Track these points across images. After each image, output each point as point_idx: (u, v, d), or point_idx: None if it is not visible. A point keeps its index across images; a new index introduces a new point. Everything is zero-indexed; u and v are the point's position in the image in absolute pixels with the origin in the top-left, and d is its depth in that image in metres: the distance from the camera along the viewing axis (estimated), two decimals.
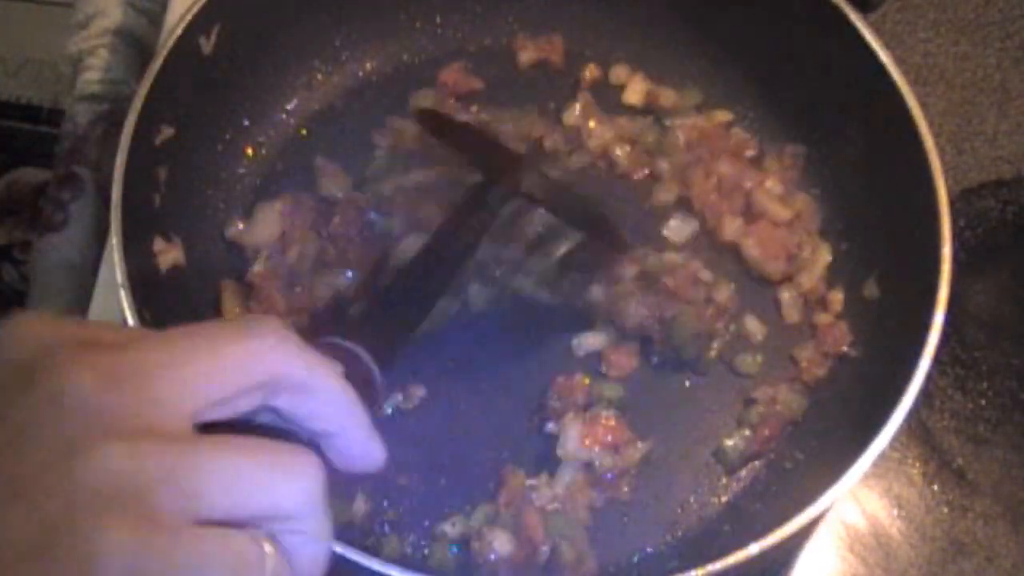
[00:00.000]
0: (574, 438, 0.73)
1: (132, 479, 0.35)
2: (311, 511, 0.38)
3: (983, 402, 0.82)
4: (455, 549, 0.72)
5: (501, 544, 0.71)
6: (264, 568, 0.37)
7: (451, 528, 0.73)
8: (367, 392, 0.48)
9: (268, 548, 0.37)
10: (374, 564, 0.60)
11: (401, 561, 0.71)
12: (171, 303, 0.76)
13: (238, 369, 0.38)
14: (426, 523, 0.73)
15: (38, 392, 0.36)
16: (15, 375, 0.37)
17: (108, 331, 0.40)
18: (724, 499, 0.76)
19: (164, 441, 0.36)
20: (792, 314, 0.81)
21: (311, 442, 0.41)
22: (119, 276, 0.68)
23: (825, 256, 0.82)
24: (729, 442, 0.76)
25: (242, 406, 0.39)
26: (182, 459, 0.36)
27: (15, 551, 0.34)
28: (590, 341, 0.79)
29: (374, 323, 0.61)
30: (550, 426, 0.75)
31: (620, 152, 0.86)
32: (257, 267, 0.79)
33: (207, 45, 0.78)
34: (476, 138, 0.80)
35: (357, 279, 0.79)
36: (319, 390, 0.41)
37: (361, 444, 0.43)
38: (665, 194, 0.84)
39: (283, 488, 0.37)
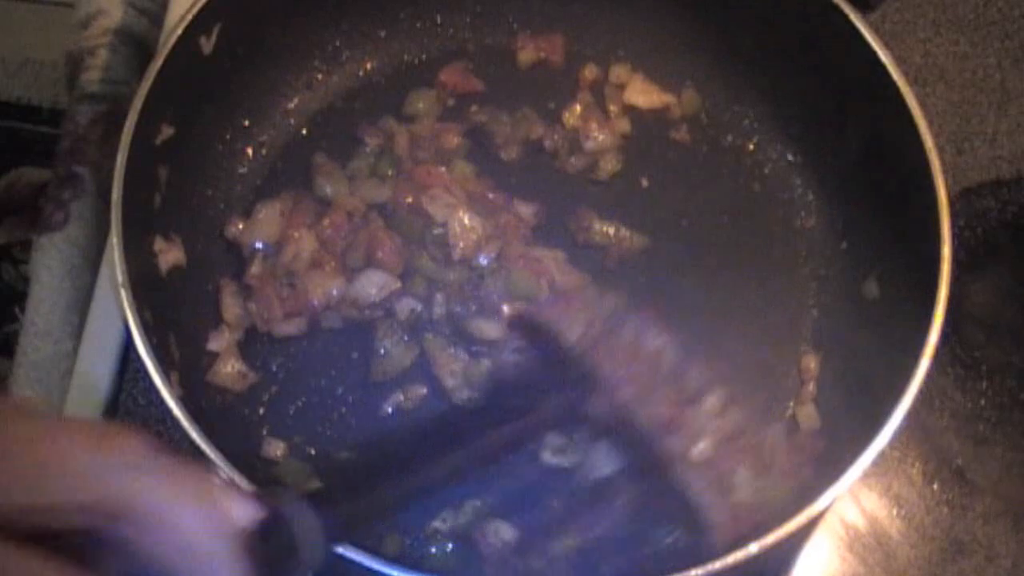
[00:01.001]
0: None
1: None
2: None
3: (983, 402, 0.82)
4: (451, 545, 0.73)
5: (502, 532, 0.72)
6: None
7: (442, 524, 0.73)
8: (282, 559, 0.42)
9: None
10: (374, 564, 0.60)
11: (401, 560, 0.71)
12: (171, 303, 0.76)
13: (61, 480, 0.34)
14: (425, 522, 0.73)
15: None
16: None
17: None
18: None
19: None
20: None
21: None
22: (119, 276, 0.68)
23: None
24: None
25: (64, 521, 0.34)
26: None
27: None
28: None
29: (353, 493, 0.54)
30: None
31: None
32: (255, 269, 0.79)
33: (207, 45, 0.78)
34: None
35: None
36: (170, 532, 0.35)
37: None
38: None
39: None
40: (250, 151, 0.86)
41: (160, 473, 0.36)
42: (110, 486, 0.35)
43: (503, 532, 0.72)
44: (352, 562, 0.60)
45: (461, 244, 0.79)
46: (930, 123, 0.73)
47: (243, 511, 0.39)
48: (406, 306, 0.79)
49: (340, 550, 0.59)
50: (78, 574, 0.34)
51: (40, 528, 0.34)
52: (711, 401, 0.74)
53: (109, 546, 0.36)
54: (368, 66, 0.90)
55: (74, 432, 0.36)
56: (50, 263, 0.84)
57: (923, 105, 0.74)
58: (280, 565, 0.42)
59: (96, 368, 0.80)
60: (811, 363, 0.80)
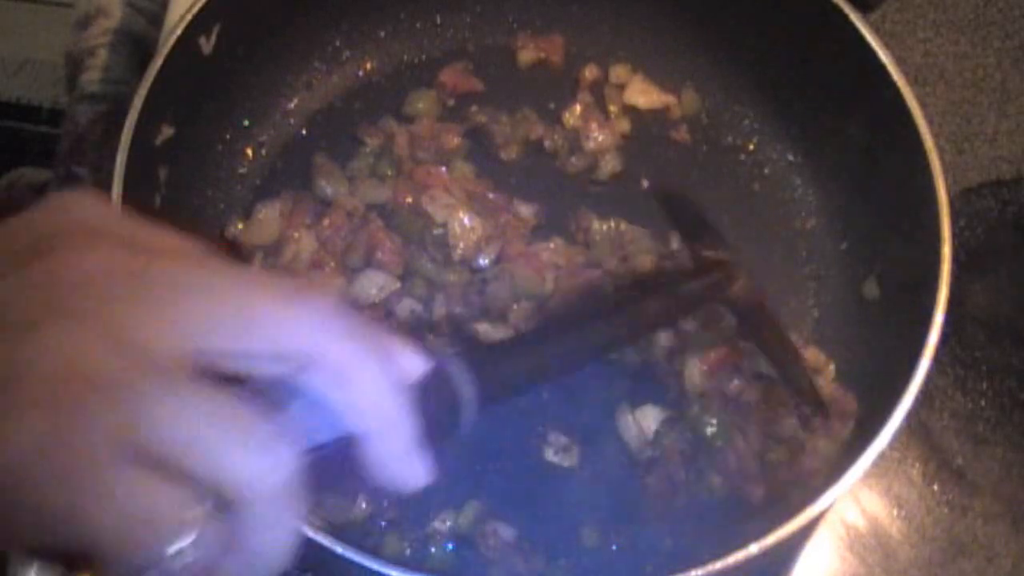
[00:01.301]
0: None
1: (73, 381, 0.32)
2: (260, 501, 0.34)
3: (983, 402, 0.82)
4: (451, 546, 0.73)
5: (503, 532, 0.72)
6: (178, 534, 0.33)
7: (442, 524, 0.73)
8: (447, 414, 0.44)
9: (196, 513, 0.33)
10: (374, 564, 0.60)
11: (401, 561, 0.71)
12: None
13: (264, 330, 0.36)
14: (426, 522, 0.73)
15: (31, 272, 0.34)
16: (29, 248, 0.34)
17: (160, 236, 0.38)
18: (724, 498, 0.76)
19: (140, 366, 0.33)
20: None
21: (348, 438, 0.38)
22: None
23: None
24: None
25: (260, 369, 0.36)
26: (136, 385, 0.32)
27: None
28: None
29: (505, 355, 0.53)
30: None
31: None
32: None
33: (207, 45, 0.78)
34: (700, 225, 0.76)
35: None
36: (357, 383, 0.37)
37: (396, 458, 0.39)
38: None
39: (231, 467, 0.33)
40: (250, 151, 0.86)
41: (346, 328, 0.38)
42: (305, 337, 0.36)
43: (503, 532, 0.72)
44: (352, 562, 0.60)
45: (461, 244, 0.79)
46: (930, 123, 0.73)
47: (413, 364, 0.42)
48: (406, 307, 0.78)
49: (340, 550, 0.59)
50: (271, 420, 0.35)
51: (230, 375, 0.36)
52: None
53: (290, 398, 0.38)
54: (368, 66, 0.90)
55: (271, 283, 0.37)
56: None
57: (923, 105, 0.74)
58: (440, 421, 0.43)
59: None
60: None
